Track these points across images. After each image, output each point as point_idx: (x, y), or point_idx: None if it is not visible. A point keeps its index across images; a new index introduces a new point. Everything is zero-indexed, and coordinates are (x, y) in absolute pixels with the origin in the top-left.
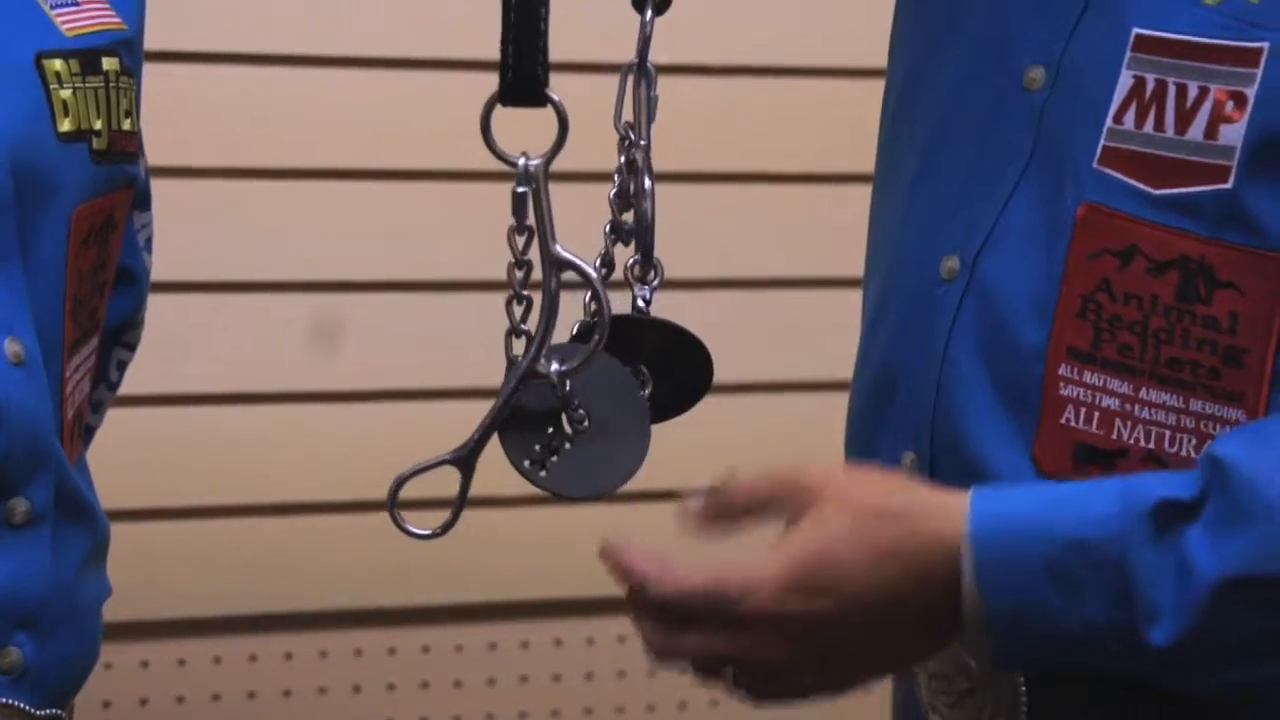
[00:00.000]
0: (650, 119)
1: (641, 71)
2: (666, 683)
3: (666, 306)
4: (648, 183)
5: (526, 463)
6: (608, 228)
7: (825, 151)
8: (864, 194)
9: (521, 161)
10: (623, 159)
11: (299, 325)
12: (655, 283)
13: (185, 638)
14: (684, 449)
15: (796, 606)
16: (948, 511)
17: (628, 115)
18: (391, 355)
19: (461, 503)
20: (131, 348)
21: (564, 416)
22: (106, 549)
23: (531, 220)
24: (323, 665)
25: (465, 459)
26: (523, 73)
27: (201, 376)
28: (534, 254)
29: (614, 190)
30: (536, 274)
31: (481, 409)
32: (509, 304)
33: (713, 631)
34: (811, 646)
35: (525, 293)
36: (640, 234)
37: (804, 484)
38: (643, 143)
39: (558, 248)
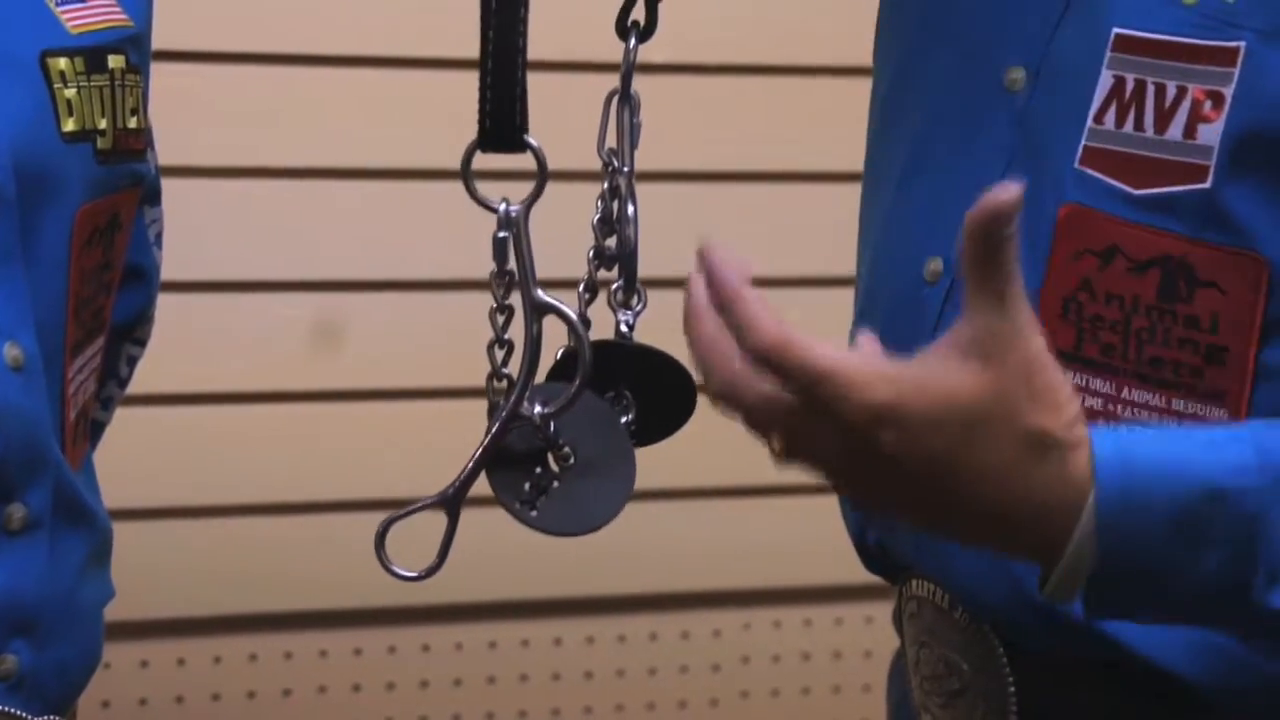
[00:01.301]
0: (634, 145)
1: (625, 98)
2: (665, 682)
3: (660, 305)
4: (630, 209)
5: (517, 504)
6: (591, 253)
7: (817, 150)
8: (855, 192)
9: (502, 207)
10: (606, 185)
11: (300, 325)
12: (639, 308)
13: (185, 637)
14: (679, 449)
15: (886, 439)
16: (1083, 446)
17: (611, 142)
18: (393, 355)
19: (448, 545)
20: (142, 344)
21: (550, 455)
22: (109, 551)
23: (513, 264)
24: (322, 664)
25: (451, 501)
26: (500, 119)
27: (202, 376)
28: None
29: (597, 216)
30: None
31: (483, 407)
32: (490, 348)
33: (786, 399)
34: (873, 472)
35: (507, 337)
36: (623, 260)
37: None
38: (625, 169)
39: (539, 292)
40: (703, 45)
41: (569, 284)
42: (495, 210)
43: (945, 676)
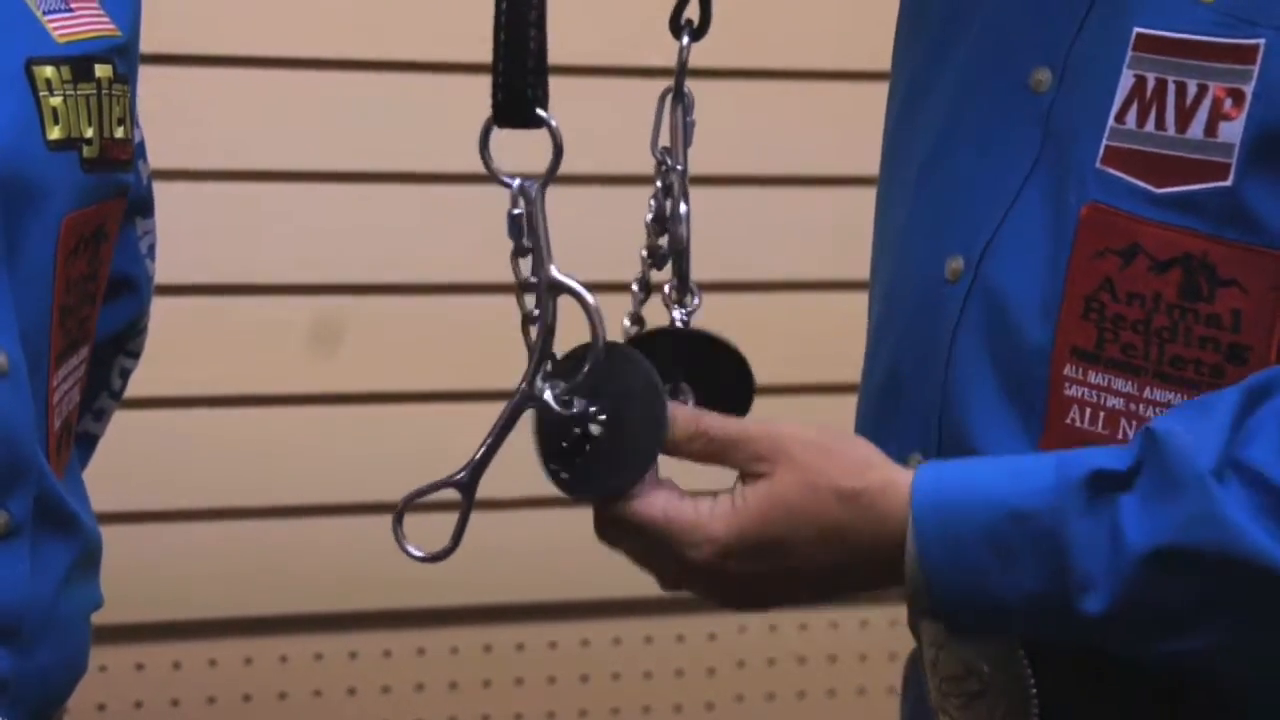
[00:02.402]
0: (687, 143)
1: (678, 96)
2: (661, 686)
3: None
4: (683, 207)
5: (551, 464)
6: (644, 251)
7: (831, 154)
8: (871, 196)
9: (516, 183)
10: (659, 184)
11: (298, 327)
12: (693, 306)
13: (180, 640)
14: None
15: (736, 568)
16: (895, 488)
17: (665, 140)
18: (391, 357)
19: (463, 526)
20: (135, 355)
21: (579, 425)
22: (97, 559)
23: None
24: (318, 668)
25: (467, 482)
26: (512, 93)
27: (201, 379)
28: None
29: (650, 214)
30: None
31: (480, 410)
32: (525, 326)
33: (664, 555)
34: (750, 592)
35: (535, 312)
36: (676, 258)
37: (763, 445)
38: (679, 167)
39: (554, 270)
40: (708, 48)
41: (621, 287)
42: (509, 185)
43: (964, 678)
